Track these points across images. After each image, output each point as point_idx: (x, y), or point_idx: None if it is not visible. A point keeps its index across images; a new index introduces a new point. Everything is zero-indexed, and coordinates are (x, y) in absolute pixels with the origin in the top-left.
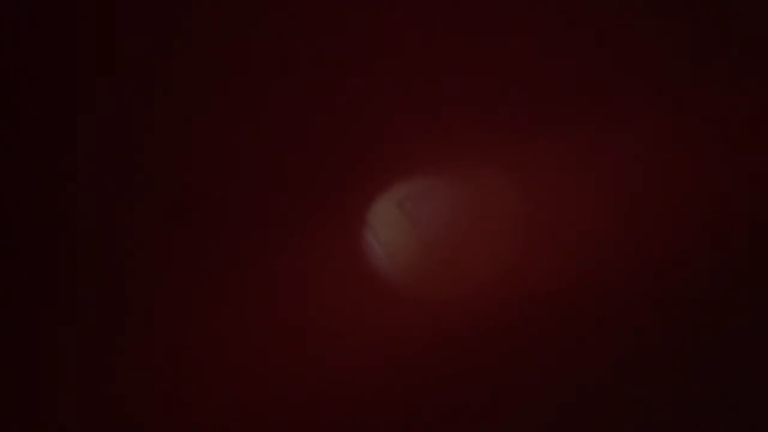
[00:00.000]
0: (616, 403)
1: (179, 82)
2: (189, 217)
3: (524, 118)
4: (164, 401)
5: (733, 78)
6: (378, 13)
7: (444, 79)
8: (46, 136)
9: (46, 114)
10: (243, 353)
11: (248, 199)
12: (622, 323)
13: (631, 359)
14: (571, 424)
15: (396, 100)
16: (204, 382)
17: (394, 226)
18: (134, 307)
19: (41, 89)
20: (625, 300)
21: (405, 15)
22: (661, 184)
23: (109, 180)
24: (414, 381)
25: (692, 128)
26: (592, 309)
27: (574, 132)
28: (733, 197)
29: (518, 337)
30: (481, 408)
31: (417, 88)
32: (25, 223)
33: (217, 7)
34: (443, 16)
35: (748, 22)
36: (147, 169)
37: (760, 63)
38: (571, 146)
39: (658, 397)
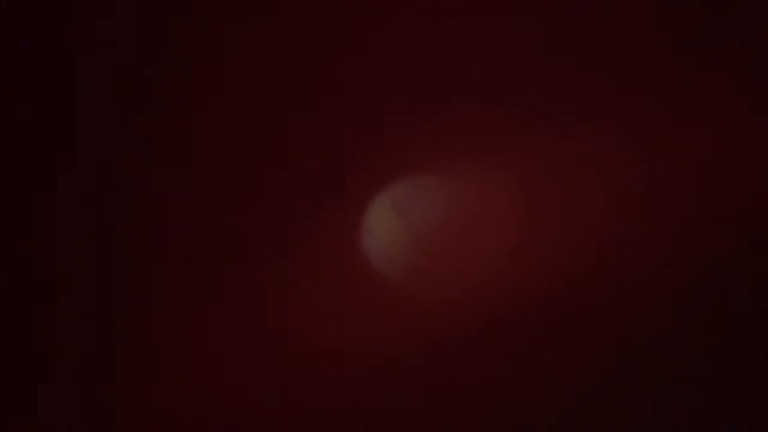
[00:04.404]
0: (616, 403)
1: (179, 82)
2: (187, 218)
3: (523, 117)
4: (163, 401)
5: (733, 78)
6: (378, 12)
7: (443, 79)
8: (45, 134)
9: (46, 113)
10: (242, 354)
11: (246, 200)
12: (623, 323)
13: (632, 359)
14: (571, 424)
15: (396, 100)
16: (203, 383)
17: (392, 226)
18: (133, 307)
19: (41, 89)
20: (625, 300)
21: (405, 15)
22: (661, 184)
23: (108, 179)
24: (414, 381)
25: (692, 128)
26: (592, 309)
27: (573, 132)
28: (733, 197)
29: (519, 337)
30: (483, 407)
31: (416, 87)
32: (24, 222)
33: (217, 6)
34: (443, 15)
35: (749, 22)
36: (146, 169)
37: (760, 63)
38: (571, 146)
39: (658, 397)
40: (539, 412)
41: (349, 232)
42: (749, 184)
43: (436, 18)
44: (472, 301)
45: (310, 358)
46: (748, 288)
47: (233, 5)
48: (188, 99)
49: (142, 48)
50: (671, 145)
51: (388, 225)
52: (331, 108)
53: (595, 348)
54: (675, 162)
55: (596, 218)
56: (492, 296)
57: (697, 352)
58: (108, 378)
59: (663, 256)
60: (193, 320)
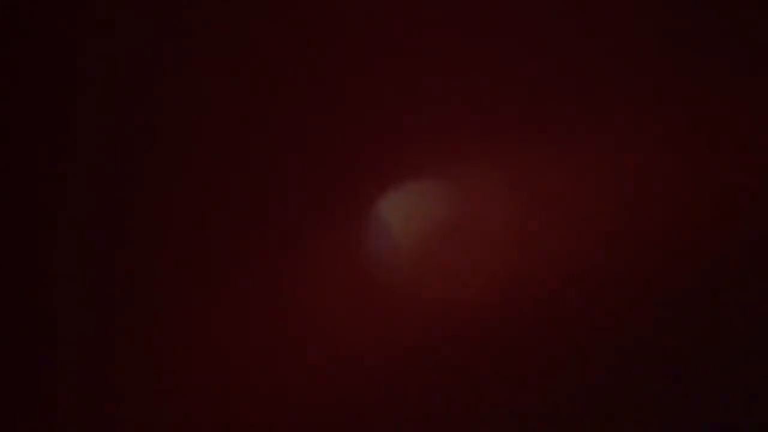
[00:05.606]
0: (616, 402)
1: (179, 81)
2: (188, 217)
3: (524, 118)
4: (164, 400)
5: (733, 78)
6: (379, 12)
7: (444, 79)
8: (46, 134)
9: (46, 112)
10: (243, 353)
11: (247, 199)
12: (624, 322)
13: (633, 358)
14: (572, 423)
15: (397, 100)
16: (203, 382)
17: (395, 227)
18: (134, 306)
19: (40, 87)
20: (626, 300)
21: (406, 15)
22: (661, 185)
23: (108, 179)
24: (416, 380)
25: (692, 128)
26: (594, 310)
27: (573, 132)
28: (733, 198)
29: (520, 337)
30: (484, 406)
31: (418, 88)
32: (25, 222)
33: (217, 5)
34: (444, 15)
35: (748, 22)
36: (146, 168)
37: (760, 63)
38: (572, 146)
39: (659, 396)
40: (540, 411)
41: (350, 232)
42: (749, 184)
43: (435, 20)
44: (473, 301)
45: (310, 357)
46: (748, 287)
47: (234, 4)
48: (188, 99)
49: (141, 48)
50: (670, 145)
51: (390, 225)
52: (332, 109)
53: (596, 347)
54: (674, 161)
55: (596, 218)
56: (493, 296)
57: (697, 351)
58: (109, 378)
59: (663, 255)
60: (193, 320)
